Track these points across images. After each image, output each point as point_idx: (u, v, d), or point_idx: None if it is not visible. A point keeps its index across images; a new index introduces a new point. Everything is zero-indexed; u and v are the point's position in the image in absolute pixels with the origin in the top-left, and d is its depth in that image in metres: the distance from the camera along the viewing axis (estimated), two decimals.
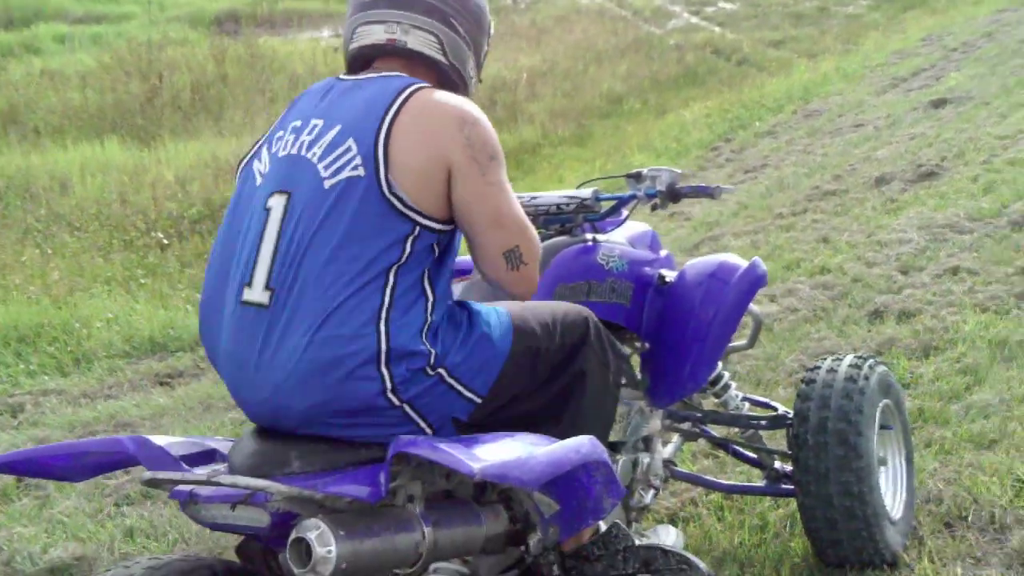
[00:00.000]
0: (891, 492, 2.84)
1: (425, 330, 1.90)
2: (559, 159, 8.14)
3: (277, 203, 1.91)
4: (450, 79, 2.06)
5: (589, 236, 2.69)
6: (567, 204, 2.64)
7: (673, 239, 5.81)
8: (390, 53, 2.04)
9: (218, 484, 1.65)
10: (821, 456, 2.64)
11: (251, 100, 9.94)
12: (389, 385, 1.84)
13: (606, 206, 2.71)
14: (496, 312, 2.04)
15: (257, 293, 1.86)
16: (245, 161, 2.05)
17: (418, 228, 1.85)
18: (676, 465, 2.98)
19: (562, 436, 1.94)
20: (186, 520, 3.26)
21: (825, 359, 2.90)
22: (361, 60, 2.10)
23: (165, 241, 6.45)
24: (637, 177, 2.84)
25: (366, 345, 1.82)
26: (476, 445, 1.70)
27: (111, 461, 1.86)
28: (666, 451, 2.90)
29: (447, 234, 1.94)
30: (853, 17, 13.30)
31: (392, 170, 1.85)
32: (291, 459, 1.77)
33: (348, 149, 1.88)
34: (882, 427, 2.81)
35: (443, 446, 1.64)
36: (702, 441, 3.25)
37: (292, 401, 1.84)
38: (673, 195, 2.77)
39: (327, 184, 1.87)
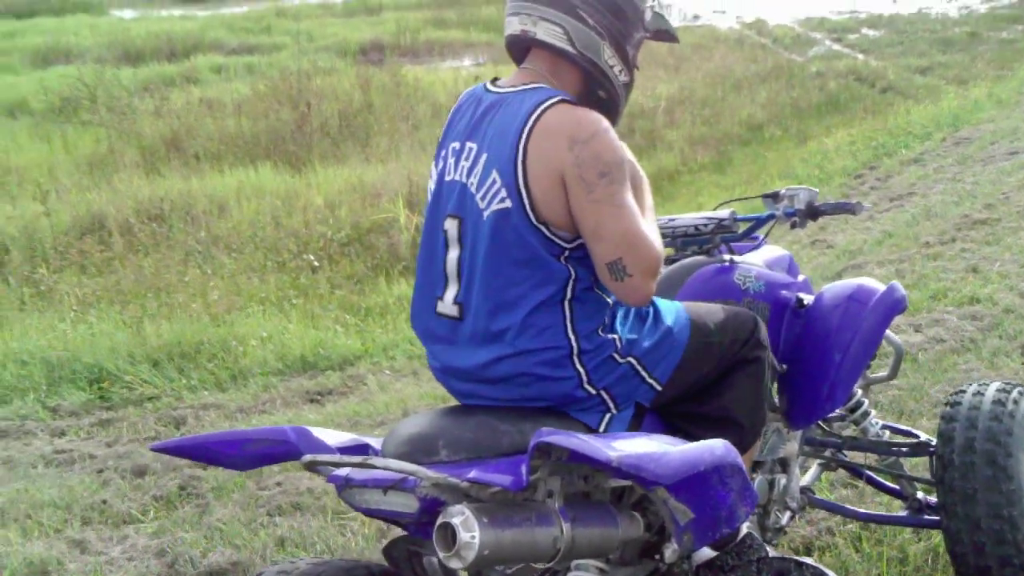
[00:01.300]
0: None
1: (607, 326, 2.09)
2: (698, 186, 8.14)
3: (451, 226, 2.10)
4: (587, 72, 2.13)
5: (727, 257, 2.72)
6: (705, 225, 2.69)
7: (815, 266, 5.75)
8: (532, 44, 2.15)
9: (371, 467, 1.79)
10: (968, 477, 2.60)
11: (395, 127, 10.23)
12: (585, 378, 2.06)
13: (744, 226, 2.74)
14: (675, 307, 2.20)
15: (448, 307, 2.11)
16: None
17: (566, 249, 2.01)
18: (814, 493, 2.98)
19: (722, 428, 2.07)
20: (333, 531, 3.44)
21: (971, 384, 2.86)
22: (515, 49, 2.23)
23: (316, 263, 6.71)
24: (775, 197, 2.85)
25: (560, 352, 2.03)
26: (614, 440, 1.80)
27: (274, 452, 2.00)
28: (804, 478, 2.91)
29: None
30: (1007, 42, 12.87)
31: (533, 199, 2.00)
32: (438, 448, 1.92)
33: (494, 182, 2.03)
34: None
35: (583, 437, 1.73)
36: (841, 471, 3.23)
37: (492, 394, 2.10)
38: (812, 213, 2.78)
39: (485, 214, 2.04)
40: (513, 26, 2.15)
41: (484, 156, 2.04)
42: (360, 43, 16.58)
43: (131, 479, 4.08)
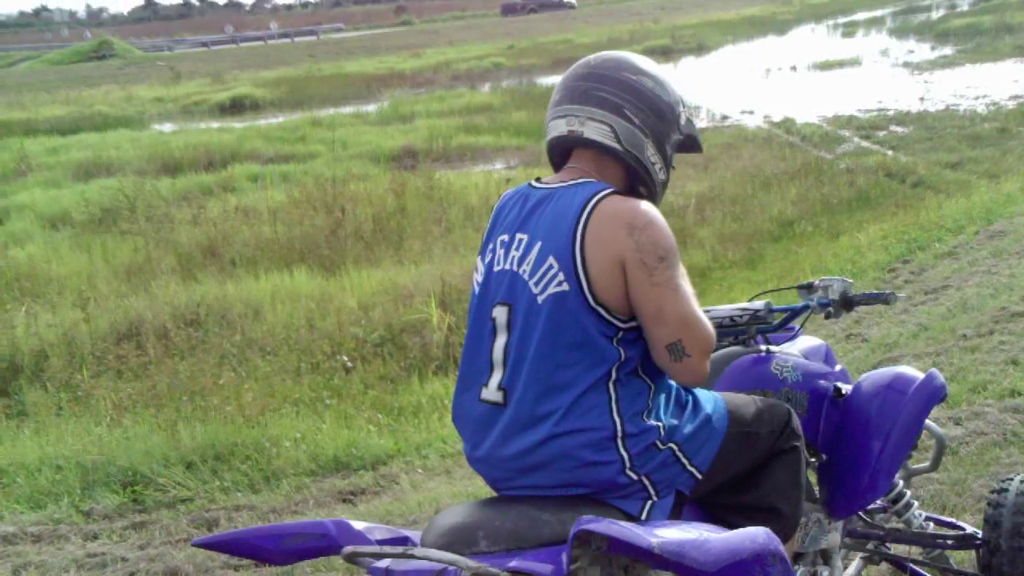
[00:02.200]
0: None
1: (650, 411, 2.14)
2: (730, 282, 8.13)
3: (500, 313, 2.19)
4: (631, 168, 2.26)
5: (763, 347, 2.72)
6: (740, 316, 2.70)
7: (850, 360, 5.70)
8: (577, 144, 2.28)
9: (412, 557, 1.79)
10: (1016, 563, 2.56)
11: (428, 229, 10.34)
12: (628, 463, 2.10)
13: (779, 317, 2.75)
14: (713, 396, 2.25)
15: (492, 393, 2.15)
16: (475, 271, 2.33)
17: (620, 331, 2.06)
18: None
19: (763, 518, 2.07)
20: None
21: (1019, 473, 2.82)
22: (557, 151, 2.37)
23: (349, 364, 6.73)
24: (809, 288, 2.88)
25: (604, 433, 2.08)
26: (655, 527, 1.78)
27: (313, 546, 2.00)
28: (847, 572, 2.85)
29: None
30: None
31: (591, 282, 2.09)
32: (478, 539, 1.91)
33: (551, 267, 2.12)
34: None
35: (624, 524, 1.72)
36: (884, 565, 3.16)
37: (534, 481, 2.08)
38: (847, 303, 2.79)
39: (540, 299, 2.13)
40: (559, 128, 2.28)
41: (538, 244, 2.15)
42: (393, 149, 16.88)
43: None
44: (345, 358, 6.79)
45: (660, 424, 2.12)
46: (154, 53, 61.75)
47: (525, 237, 2.18)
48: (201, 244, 10.28)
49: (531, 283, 2.13)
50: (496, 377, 2.17)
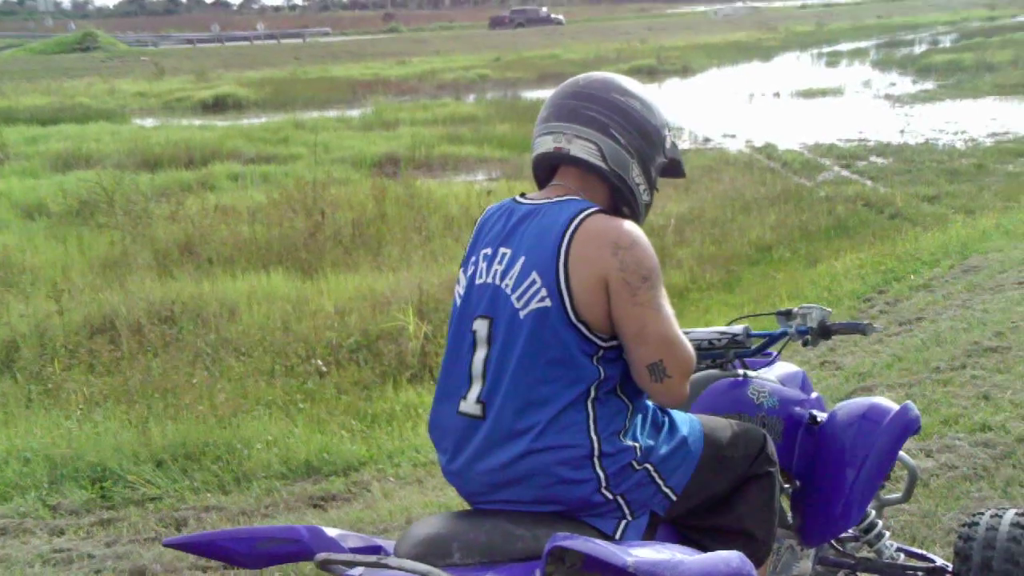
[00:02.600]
0: None
1: (627, 431, 2.16)
2: (707, 304, 8.16)
3: (481, 326, 2.19)
4: (616, 187, 2.27)
5: (741, 372, 2.74)
6: (718, 340, 2.72)
7: (824, 387, 5.73)
8: (563, 161, 2.28)
9: (385, 567, 1.78)
10: None
11: (408, 237, 10.34)
12: (604, 482, 2.10)
13: (757, 342, 2.77)
14: (689, 419, 2.26)
15: (470, 405, 2.14)
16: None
17: (601, 349, 2.07)
18: None
19: (735, 541, 2.08)
20: None
21: (989, 509, 2.85)
22: (542, 167, 2.37)
23: (324, 368, 6.70)
24: (788, 315, 2.90)
25: (581, 451, 2.06)
26: (630, 547, 1.79)
27: (285, 551, 1.99)
28: None
29: None
30: (1013, 175, 13.05)
31: (574, 299, 2.08)
32: (453, 551, 1.92)
33: (534, 282, 2.12)
34: None
35: (599, 542, 1.72)
36: None
37: (509, 496, 2.07)
38: (824, 332, 2.82)
39: (521, 314, 2.13)
40: (546, 144, 2.28)
41: (521, 259, 2.15)
42: (375, 155, 16.87)
43: None
44: (320, 362, 6.76)
45: (637, 444, 2.13)
46: (138, 48, 61.47)
47: (508, 251, 2.18)
48: (178, 241, 10.22)
49: (513, 297, 2.13)
50: (475, 390, 2.16)
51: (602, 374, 2.12)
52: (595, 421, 2.09)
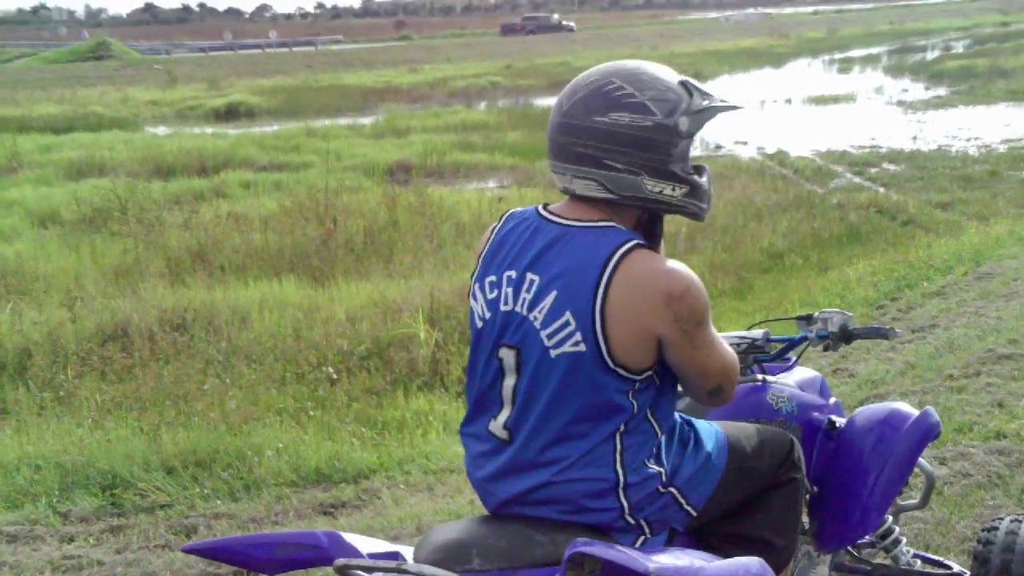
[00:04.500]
0: None
1: (653, 454, 2.11)
2: (719, 311, 8.14)
3: (508, 356, 2.10)
4: (639, 205, 2.10)
5: (759, 377, 2.72)
6: (739, 344, 2.70)
7: (837, 395, 5.68)
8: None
9: (404, 572, 1.76)
10: None
11: (419, 245, 10.34)
12: (627, 509, 2.07)
13: (776, 347, 2.75)
14: (714, 429, 2.21)
15: (499, 429, 2.12)
16: (470, 294, 2.22)
17: (637, 383, 2.03)
18: None
19: (756, 549, 2.05)
20: None
21: (1009, 515, 2.84)
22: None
23: (335, 376, 6.69)
24: (808, 319, 2.87)
25: (605, 484, 2.06)
26: (651, 553, 1.78)
27: (304, 557, 1.98)
28: None
29: (662, 366, 2.10)
30: None
31: (611, 346, 1.99)
32: (471, 556, 1.90)
33: (567, 323, 2.01)
34: None
35: (619, 548, 1.71)
36: None
37: (530, 513, 2.05)
38: (845, 336, 2.79)
39: (553, 354, 2.03)
40: (558, 182, 2.16)
41: (552, 294, 2.02)
42: (387, 163, 16.89)
43: None
44: (330, 369, 6.76)
45: (662, 470, 2.09)
46: (151, 56, 61.79)
47: (537, 279, 2.05)
48: (191, 249, 10.24)
49: (543, 334, 2.03)
50: (504, 414, 2.12)
51: (635, 408, 2.05)
52: (622, 453, 2.04)
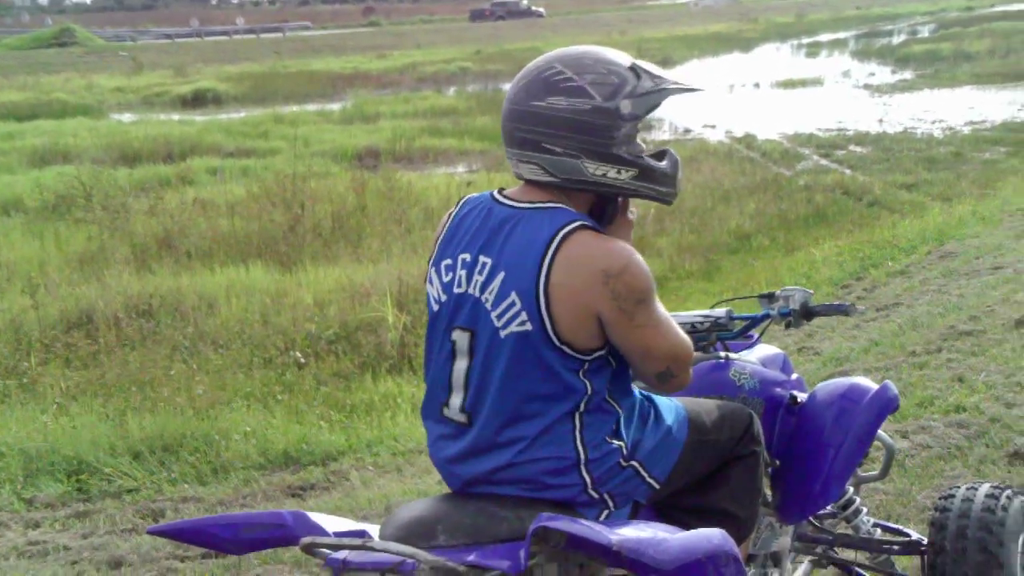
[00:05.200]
0: None
1: (614, 432, 2.12)
2: (686, 292, 8.19)
3: (461, 338, 2.12)
4: (583, 190, 2.13)
5: (722, 354, 2.75)
6: (701, 323, 2.73)
7: (802, 372, 5.72)
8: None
9: (370, 549, 1.79)
10: (960, 563, 2.64)
11: (388, 229, 10.32)
12: (590, 484, 2.09)
13: (739, 325, 2.78)
14: (674, 404, 2.24)
15: (455, 413, 2.15)
16: (427, 279, 2.24)
17: (585, 363, 2.04)
18: None
19: (717, 520, 2.08)
20: None
21: (965, 484, 2.89)
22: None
23: (302, 360, 6.68)
24: (770, 297, 2.91)
25: (566, 462, 2.07)
26: (614, 526, 1.80)
27: (270, 536, 1.99)
28: (796, 574, 2.89)
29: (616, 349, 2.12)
30: (989, 163, 13.14)
31: (556, 324, 2.02)
32: (437, 533, 1.92)
33: (513, 304, 2.04)
34: None
35: (583, 522, 1.73)
36: (832, 568, 3.21)
37: (496, 492, 2.11)
38: (807, 313, 2.82)
39: (502, 334, 2.06)
40: (512, 167, 2.19)
41: (501, 275, 2.05)
42: (356, 149, 16.82)
43: (106, 571, 4.01)
44: (298, 354, 6.74)
45: (623, 444, 2.11)
46: (117, 43, 61.09)
47: (488, 261, 2.07)
48: (157, 235, 10.17)
49: (493, 315, 2.05)
50: (457, 399, 2.12)
51: (589, 388, 2.06)
52: (582, 431, 2.06)
